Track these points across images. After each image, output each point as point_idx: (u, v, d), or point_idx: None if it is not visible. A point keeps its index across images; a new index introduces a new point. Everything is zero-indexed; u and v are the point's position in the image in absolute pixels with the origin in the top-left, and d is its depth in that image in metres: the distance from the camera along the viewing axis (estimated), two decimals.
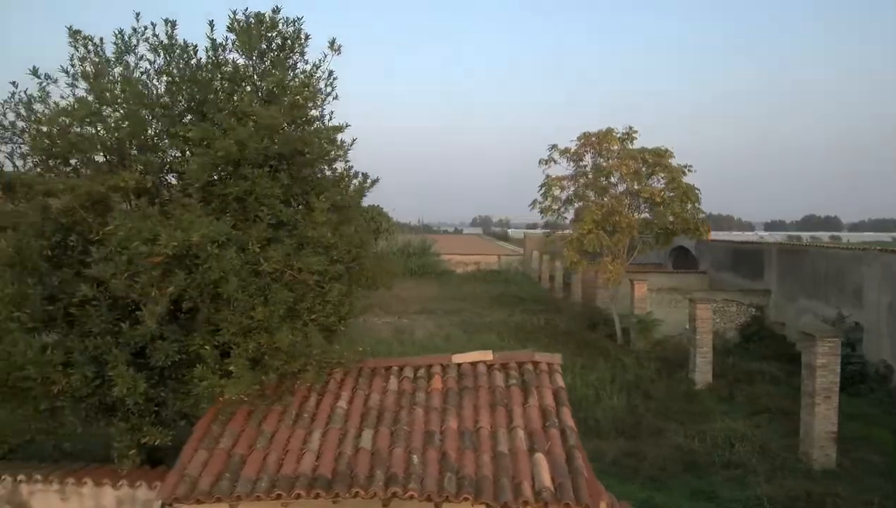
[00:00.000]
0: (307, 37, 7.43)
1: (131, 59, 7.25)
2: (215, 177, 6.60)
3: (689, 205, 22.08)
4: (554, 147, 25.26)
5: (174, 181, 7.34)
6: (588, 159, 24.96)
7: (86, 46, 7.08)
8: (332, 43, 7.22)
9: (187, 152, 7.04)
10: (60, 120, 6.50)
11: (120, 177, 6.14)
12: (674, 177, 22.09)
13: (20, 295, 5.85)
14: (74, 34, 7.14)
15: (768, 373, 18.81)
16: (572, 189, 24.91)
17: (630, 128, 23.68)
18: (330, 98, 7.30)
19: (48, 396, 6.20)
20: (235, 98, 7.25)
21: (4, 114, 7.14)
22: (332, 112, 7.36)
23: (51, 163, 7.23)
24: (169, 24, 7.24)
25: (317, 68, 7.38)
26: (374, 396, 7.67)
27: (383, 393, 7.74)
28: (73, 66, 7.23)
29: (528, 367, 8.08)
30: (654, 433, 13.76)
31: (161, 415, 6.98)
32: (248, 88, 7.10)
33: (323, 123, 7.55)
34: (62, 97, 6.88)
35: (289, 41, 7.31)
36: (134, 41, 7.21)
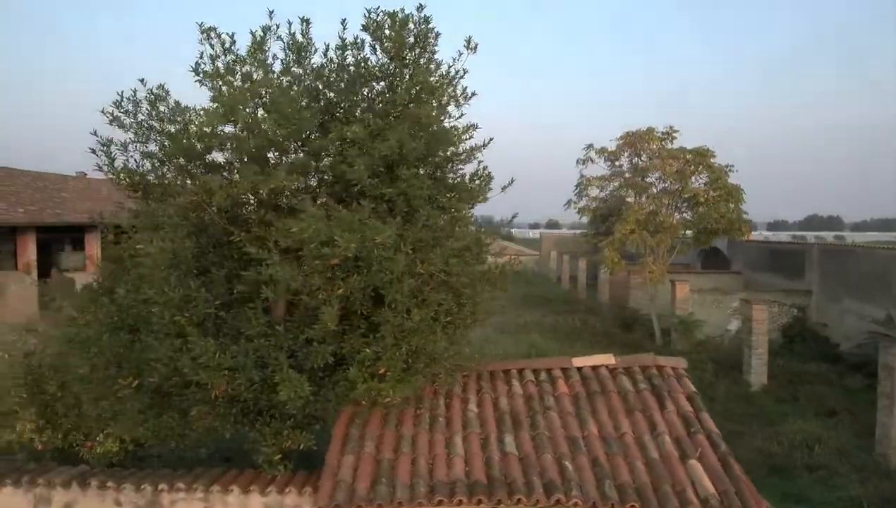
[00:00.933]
0: (437, 35, 7.29)
1: (263, 57, 7.11)
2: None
3: (732, 205, 21.98)
4: (590, 146, 25.15)
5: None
6: (624, 159, 24.89)
7: (222, 44, 6.94)
8: (469, 41, 7.08)
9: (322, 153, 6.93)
10: (203, 120, 6.36)
11: (278, 177, 6.01)
12: (718, 176, 21.98)
13: (184, 298, 5.71)
14: (207, 31, 7.00)
15: (820, 374, 18.72)
16: (609, 189, 24.84)
17: (671, 127, 23.58)
18: (467, 98, 7.14)
19: (204, 401, 6.06)
20: (367, 96, 7.14)
21: (136, 114, 6.99)
22: (462, 113, 7.22)
23: (181, 162, 7.10)
24: (304, 22, 7.11)
25: (450, 67, 7.24)
26: (502, 400, 7.55)
27: (510, 397, 7.63)
28: (203, 63, 7.11)
29: (654, 372, 7.98)
30: (726, 435, 13.61)
31: (296, 418, 6.85)
32: (389, 88, 6.96)
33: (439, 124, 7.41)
34: (210, 99, 6.71)
35: (419, 39, 7.16)
36: (267, 39, 7.08)
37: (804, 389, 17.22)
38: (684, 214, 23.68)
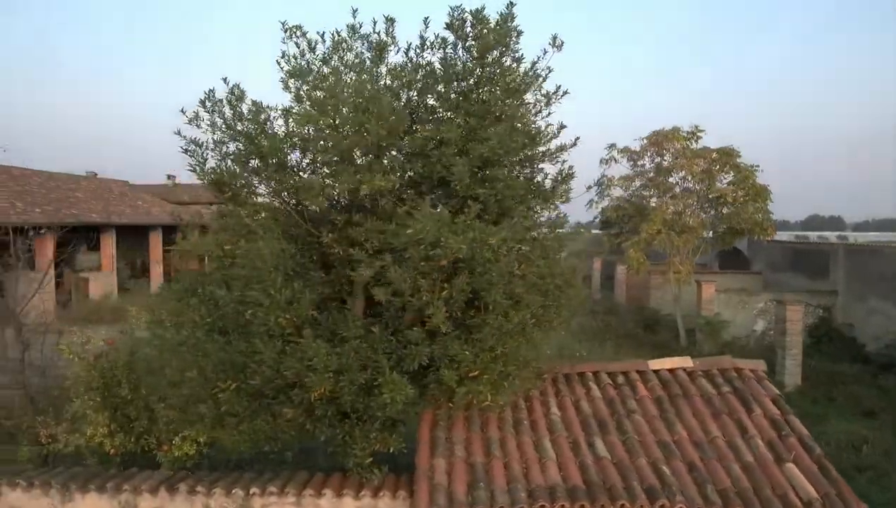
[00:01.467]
0: (520, 33, 7.18)
1: (348, 56, 7.03)
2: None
3: (760, 205, 21.93)
4: (612, 146, 25.07)
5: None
6: (646, 159, 24.81)
7: (309, 43, 6.86)
8: (554, 39, 6.98)
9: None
10: (298, 119, 6.27)
11: (376, 178, 5.92)
12: (747, 176, 21.91)
13: (288, 300, 5.62)
14: (291, 30, 6.92)
15: (852, 375, 18.68)
16: (631, 189, 24.78)
17: (696, 127, 23.48)
18: (560, 96, 7.03)
19: (300, 404, 5.97)
20: (451, 95, 7.05)
21: (222, 113, 6.89)
22: (550, 111, 7.13)
23: (259, 163, 7.01)
24: (388, 21, 7.02)
25: (534, 65, 7.14)
26: (582, 403, 7.47)
27: (590, 400, 7.55)
28: (285, 62, 7.03)
29: (733, 374, 7.90)
30: None
31: (382, 421, 6.76)
32: (475, 87, 6.86)
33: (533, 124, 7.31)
34: (293, 98, 6.62)
35: (504, 38, 7.05)
36: (350, 39, 7.00)
37: (840, 390, 17.15)
38: (709, 214, 23.62)
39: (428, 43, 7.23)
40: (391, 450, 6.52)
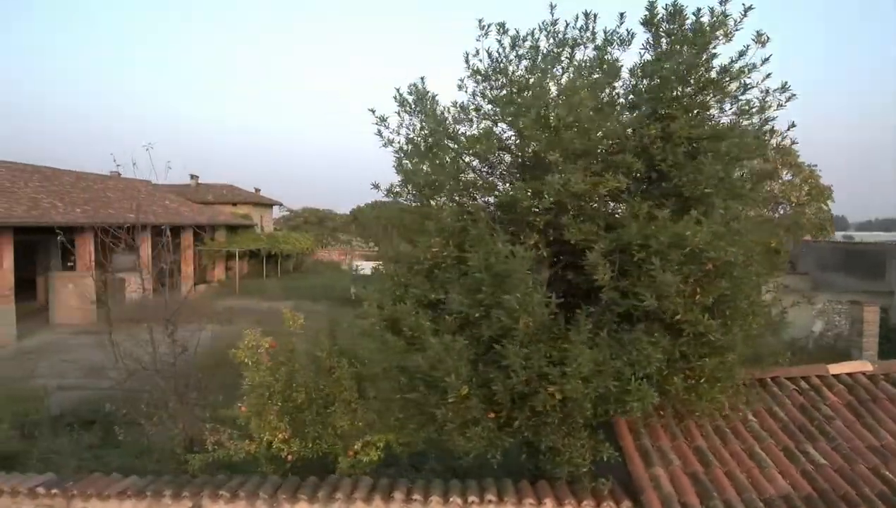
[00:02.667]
0: (731, 30, 6.97)
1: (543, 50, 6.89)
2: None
3: (824, 205, 21.95)
4: None
5: None
6: None
7: (515, 43, 6.71)
8: (759, 35, 6.81)
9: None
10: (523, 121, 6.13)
11: (610, 178, 5.78)
12: (809, 176, 21.90)
13: (538, 303, 5.46)
14: (489, 27, 6.77)
15: None
16: None
17: None
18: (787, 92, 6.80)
19: (522, 410, 5.83)
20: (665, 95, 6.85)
21: (420, 112, 6.75)
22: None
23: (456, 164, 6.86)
24: (588, 16, 6.87)
25: (733, 62, 6.97)
26: (775, 409, 7.34)
27: (781, 406, 7.43)
28: (477, 61, 6.90)
29: None
30: None
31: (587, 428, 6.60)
32: (680, 84, 6.71)
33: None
34: (494, 99, 6.49)
35: (708, 32, 6.86)
36: (553, 38, 6.86)
37: None
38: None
39: (618, 40, 7.08)
40: (605, 458, 6.36)
